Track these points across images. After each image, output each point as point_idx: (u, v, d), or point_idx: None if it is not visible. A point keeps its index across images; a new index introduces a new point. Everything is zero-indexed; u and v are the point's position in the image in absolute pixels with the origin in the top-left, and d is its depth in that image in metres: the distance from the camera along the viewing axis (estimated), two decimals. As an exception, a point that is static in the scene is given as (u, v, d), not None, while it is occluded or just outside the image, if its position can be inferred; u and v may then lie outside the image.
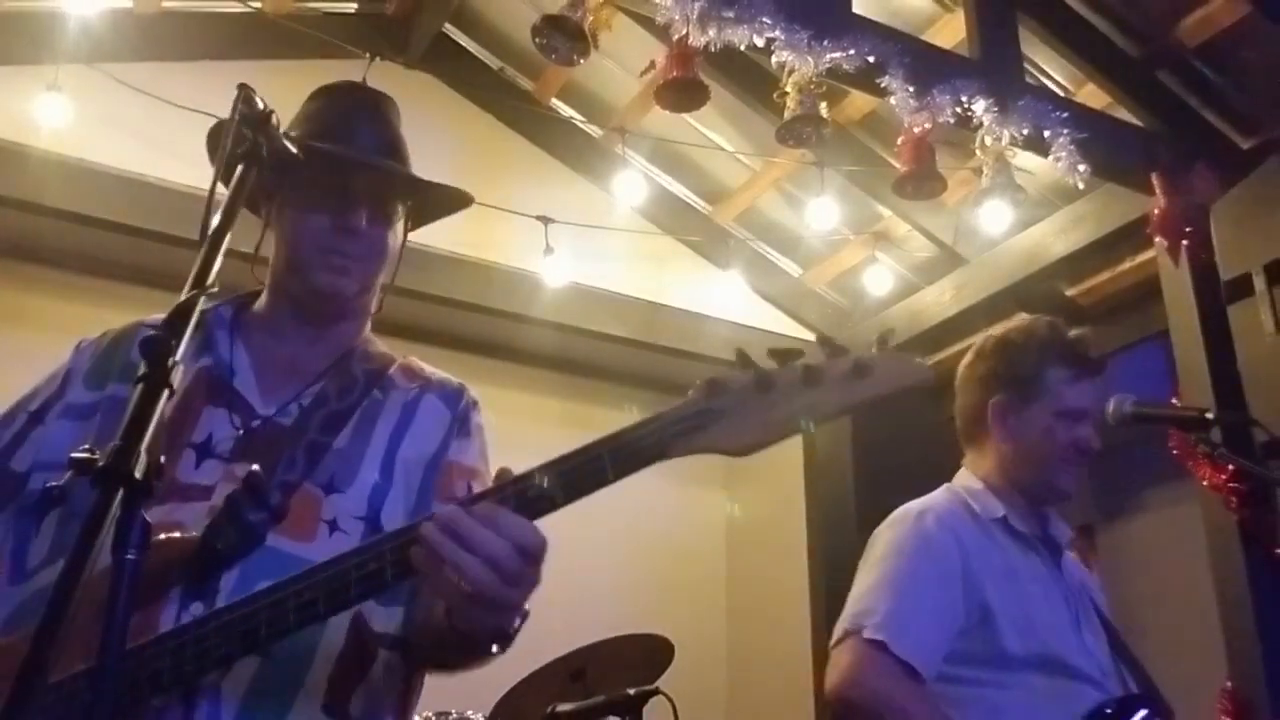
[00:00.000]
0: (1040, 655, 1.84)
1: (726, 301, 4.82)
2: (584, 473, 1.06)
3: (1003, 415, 2.06)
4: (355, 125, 1.43)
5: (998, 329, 2.17)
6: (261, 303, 1.47)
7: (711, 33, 2.85)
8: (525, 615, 1.20)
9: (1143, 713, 1.85)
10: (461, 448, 1.42)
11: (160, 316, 1.42)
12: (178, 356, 0.96)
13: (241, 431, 1.30)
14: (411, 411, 1.41)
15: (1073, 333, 2.08)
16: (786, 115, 3.30)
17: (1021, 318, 2.16)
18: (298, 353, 1.40)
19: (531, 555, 1.04)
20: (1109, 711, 1.83)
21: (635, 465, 1.06)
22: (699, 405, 1.06)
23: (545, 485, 1.06)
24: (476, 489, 1.37)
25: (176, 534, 1.18)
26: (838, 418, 1.06)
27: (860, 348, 1.06)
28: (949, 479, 2.13)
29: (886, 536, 1.97)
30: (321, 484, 1.28)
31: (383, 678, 1.26)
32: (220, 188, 1.16)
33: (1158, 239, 3.55)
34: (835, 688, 1.80)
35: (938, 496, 2.06)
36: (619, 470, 1.06)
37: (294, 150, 1.22)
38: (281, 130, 1.29)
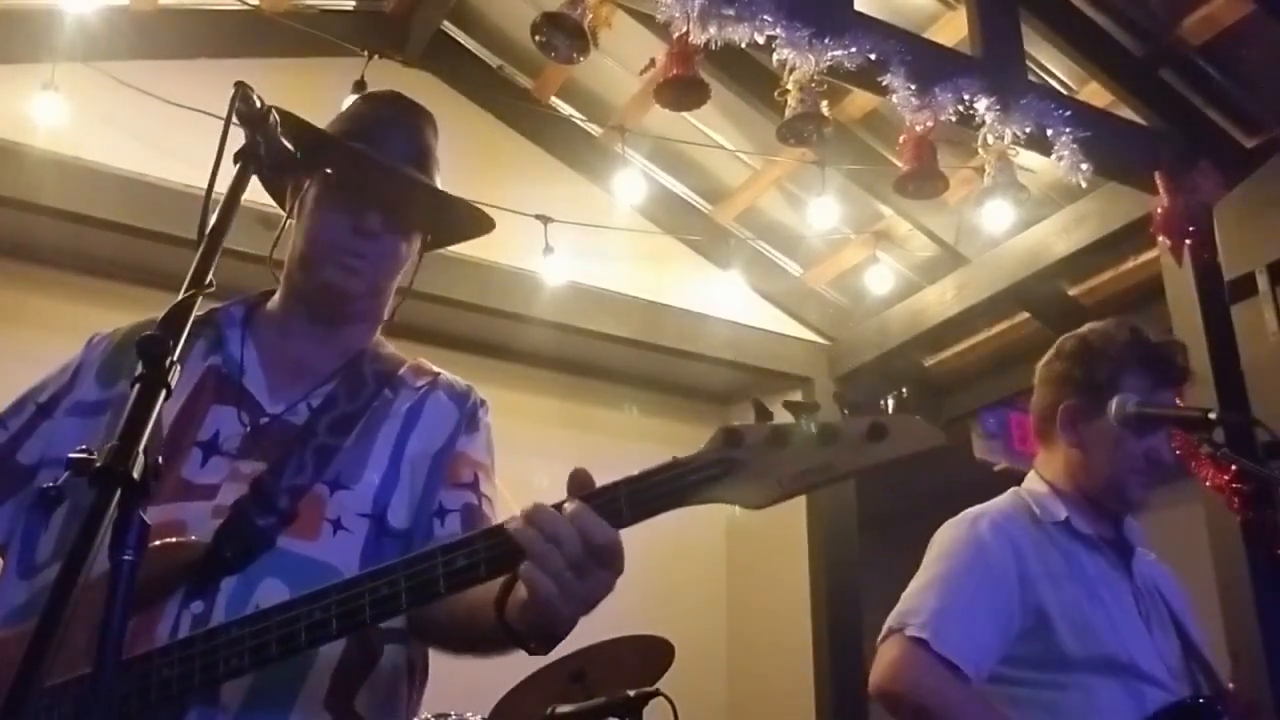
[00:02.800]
0: (1100, 656, 1.83)
1: (727, 301, 4.81)
2: (600, 514, 1.05)
3: (1072, 421, 2.02)
4: (387, 131, 1.44)
5: (1083, 329, 2.11)
6: (274, 302, 1.48)
7: (712, 30, 2.84)
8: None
9: (1208, 717, 1.84)
10: (469, 441, 1.43)
11: None
12: (175, 356, 0.95)
13: (249, 429, 1.30)
14: (419, 409, 1.42)
15: (1156, 340, 2.03)
16: (787, 114, 3.29)
17: (1112, 321, 2.09)
18: (308, 352, 1.41)
19: (602, 554, 1.03)
20: (1171, 714, 1.81)
21: (652, 510, 1.06)
22: (716, 455, 1.06)
23: None
24: (483, 479, 1.40)
25: (184, 539, 1.18)
26: (850, 479, 1.07)
27: (873, 406, 1.08)
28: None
29: (941, 540, 1.97)
30: (328, 482, 1.28)
31: (388, 673, 1.27)
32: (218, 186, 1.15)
33: (1161, 238, 3.54)
34: (877, 683, 1.82)
35: (1000, 501, 2.05)
36: (635, 514, 1.05)
37: (291, 149, 1.20)
38: (318, 127, 1.29)
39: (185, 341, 1.27)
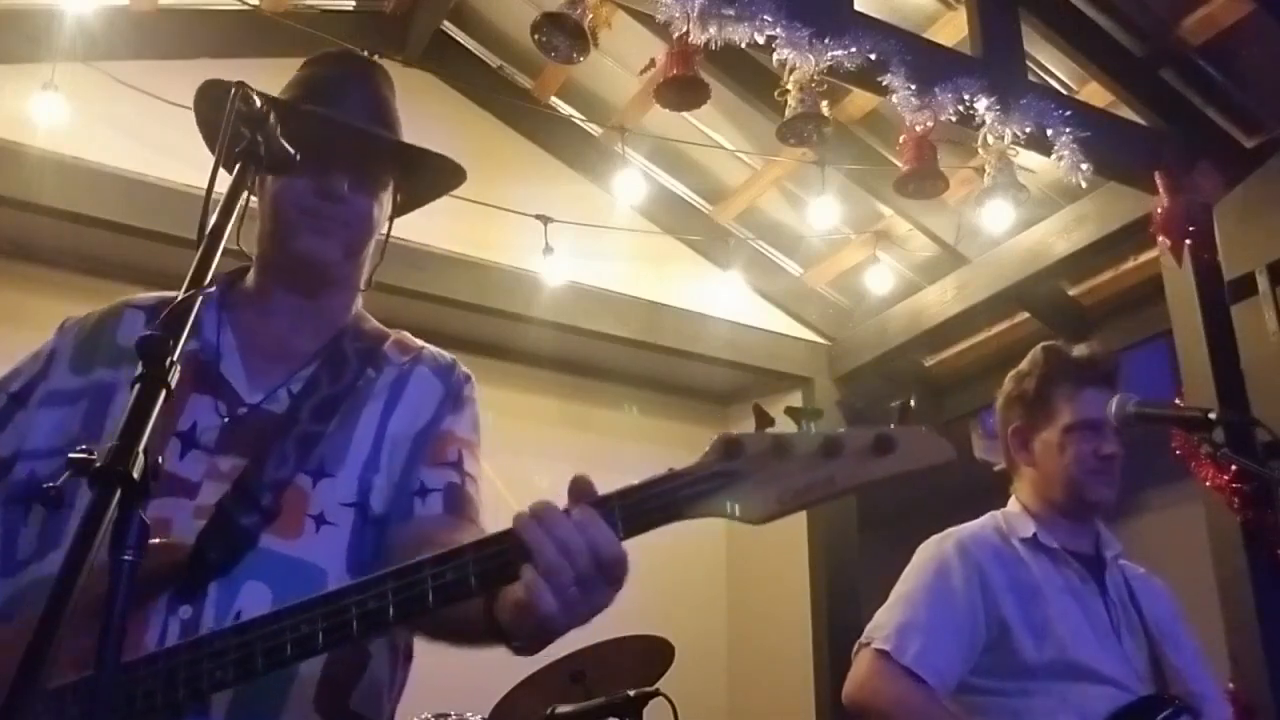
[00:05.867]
0: (1061, 662, 1.92)
1: (727, 301, 4.81)
2: None
3: (1021, 440, 2.18)
4: (344, 90, 1.39)
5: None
6: (249, 278, 1.42)
7: (712, 30, 2.84)
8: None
9: (1165, 713, 1.91)
10: (455, 420, 1.39)
11: (145, 295, 1.37)
12: (176, 356, 0.94)
13: (226, 420, 1.26)
14: (402, 385, 1.38)
15: (1075, 350, 2.18)
16: (787, 114, 3.29)
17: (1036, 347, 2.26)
18: (287, 332, 1.36)
19: (605, 564, 0.98)
20: (1129, 712, 1.89)
21: (647, 525, 1.01)
22: (714, 466, 1.01)
23: None
24: (467, 457, 1.36)
25: (169, 540, 1.16)
26: (855, 494, 1.02)
27: (878, 416, 1.03)
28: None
29: (913, 561, 2.10)
30: (311, 471, 1.24)
31: (375, 672, 1.25)
32: (218, 187, 1.14)
33: (1161, 238, 3.54)
34: (847, 693, 1.97)
35: (973, 522, 2.17)
36: (630, 528, 1.01)
37: (291, 150, 1.17)
38: (274, 95, 1.27)
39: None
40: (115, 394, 1.26)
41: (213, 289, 1.03)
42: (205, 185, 1.12)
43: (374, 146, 1.39)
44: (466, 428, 1.40)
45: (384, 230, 1.44)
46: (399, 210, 1.48)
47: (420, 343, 1.47)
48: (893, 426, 1.02)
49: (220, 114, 1.14)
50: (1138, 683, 1.94)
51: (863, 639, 2.00)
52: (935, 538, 2.11)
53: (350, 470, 1.27)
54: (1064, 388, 2.12)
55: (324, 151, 1.32)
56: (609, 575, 0.99)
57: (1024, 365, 2.22)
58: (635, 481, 1.03)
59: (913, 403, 1.05)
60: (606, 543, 0.98)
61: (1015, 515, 2.14)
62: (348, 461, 1.27)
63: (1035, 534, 2.08)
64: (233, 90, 1.13)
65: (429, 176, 1.49)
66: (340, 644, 1.07)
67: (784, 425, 1.04)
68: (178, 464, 1.22)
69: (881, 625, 1.98)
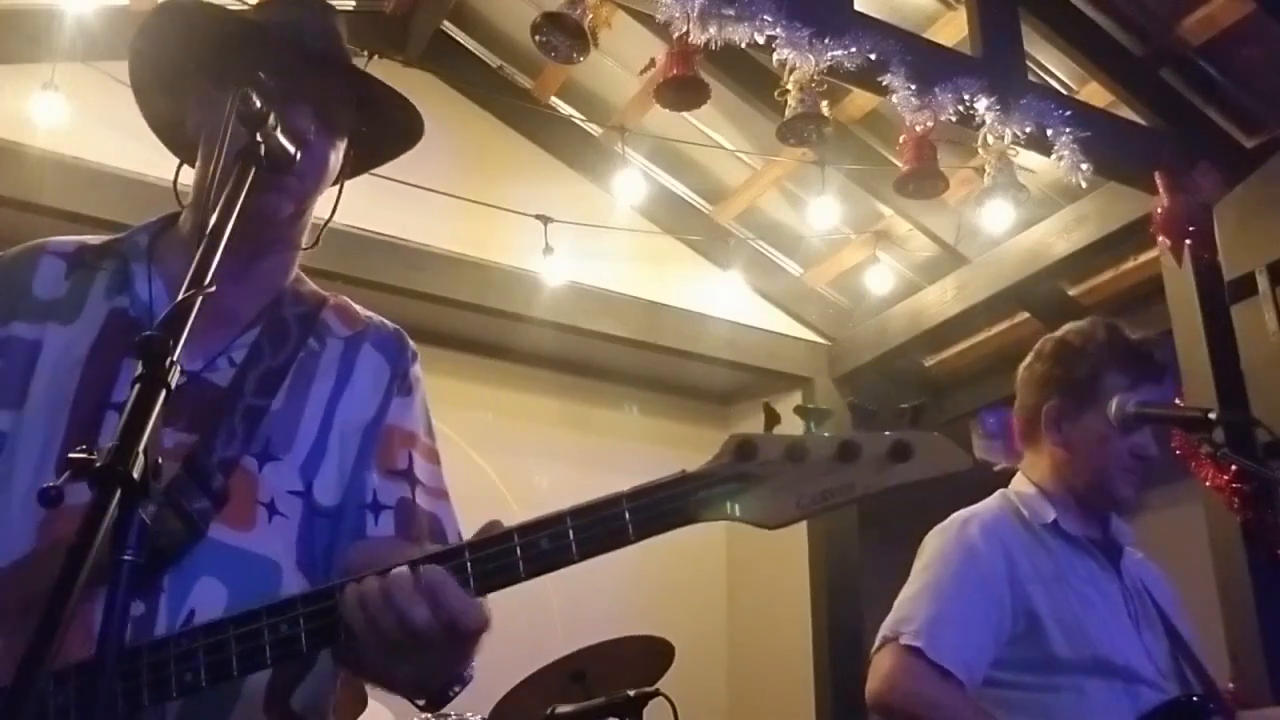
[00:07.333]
0: (1091, 658, 1.83)
1: (727, 301, 4.82)
2: (603, 530, 0.99)
3: (1057, 421, 2.03)
4: (299, 23, 1.29)
5: (1061, 330, 2.13)
6: (183, 227, 1.31)
7: (712, 30, 2.85)
8: (464, 683, 1.15)
9: (1200, 715, 1.85)
10: (402, 407, 1.30)
11: (64, 239, 1.31)
12: (176, 355, 0.93)
13: None
14: (350, 366, 1.29)
15: (1134, 337, 2.05)
16: (787, 114, 3.29)
17: (1089, 320, 2.12)
18: (225, 293, 1.12)
19: (460, 636, 0.97)
20: (1160, 714, 1.82)
21: (661, 528, 0.99)
22: (730, 469, 0.99)
23: (559, 540, 0.99)
24: (416, 460, 1.29)
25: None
26: (871, 499, 1.01)
27: (889, 419, 1.01)
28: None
29: (931, 545, 1.97)
30: (257, 452, 1.16)
31: (320, 673, 1.20)
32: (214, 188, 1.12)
33: (1160, 238, 3.55)
34: (874, 693, 1.82)
35: (989, 503, 2.05)
36: (641, 531, 0.99)
37: (291, 149, 1.13)
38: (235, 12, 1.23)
39: (80, 274, 1.22)
40: (39, 354, 1.18)
41: (214, 287, 0.98)
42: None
43: (343, 79, 1.28)
44: (416, 417, 1.32)
45: (334, 186, 1.33)
46: (350, 172, 1.37)
47: (364, 312, 1.37)
48: (909, 432, 1.00)
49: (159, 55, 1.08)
50: (1161, 678, 1.87)
51: (887, 632, 1.85)
52: (954, 520, 1.99)
53: (297, 454, 1.19)
54: (1119, 378, 1.98)
55: (290, 83, 1.21)
56: (458, 635, 0.97)
57: (1074, 339, 2.05)
58: (642, 482, 1.00)
59: (920, 404, 1.02)
60: (462, 611, 0.96)
61: (1032, 497, 2.01)
62: (295, 445, 1.20)
63: (1056, 520, 1.97)
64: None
65: (386, 131, 1.38)
66: (324, 647, 1.04)
67: (789, 422, 1.03)
68: None
69: (910, 618, 1.82)
